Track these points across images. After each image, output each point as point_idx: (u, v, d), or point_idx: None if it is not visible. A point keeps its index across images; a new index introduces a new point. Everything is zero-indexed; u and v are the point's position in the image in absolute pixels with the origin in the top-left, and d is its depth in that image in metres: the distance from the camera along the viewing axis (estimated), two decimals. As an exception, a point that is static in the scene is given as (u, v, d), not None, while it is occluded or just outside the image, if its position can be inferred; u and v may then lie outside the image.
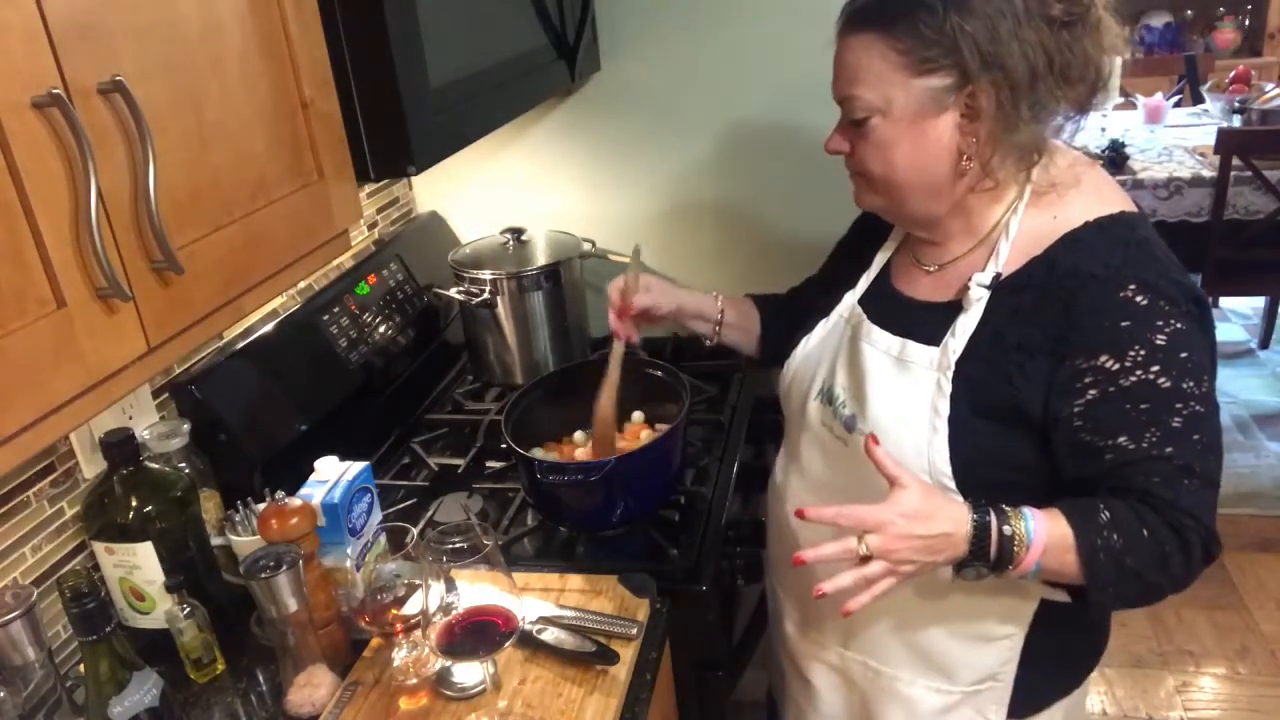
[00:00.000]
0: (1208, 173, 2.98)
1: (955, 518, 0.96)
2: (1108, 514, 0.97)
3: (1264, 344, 3.82)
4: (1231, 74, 3.70)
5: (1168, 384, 0.95)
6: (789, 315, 1.38)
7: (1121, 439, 0.97)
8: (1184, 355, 0.96)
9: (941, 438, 1.03)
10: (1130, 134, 3.41)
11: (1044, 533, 0.96)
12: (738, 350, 1.45)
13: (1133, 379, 0.96)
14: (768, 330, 1.43)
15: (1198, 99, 3.86)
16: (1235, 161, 2.89)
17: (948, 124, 1.00)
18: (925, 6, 0.96)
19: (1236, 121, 3.37)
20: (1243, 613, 2.58)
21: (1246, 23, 5.05)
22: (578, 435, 1.48)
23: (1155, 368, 0.95)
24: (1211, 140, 2.94)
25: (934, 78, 0.98)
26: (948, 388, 1.04)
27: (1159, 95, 3.67)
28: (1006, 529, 0.96)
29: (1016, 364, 1.01)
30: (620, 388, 1.34)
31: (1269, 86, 3.52)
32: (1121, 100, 3.78)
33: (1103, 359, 0.96)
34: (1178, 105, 3.73)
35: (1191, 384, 0.96)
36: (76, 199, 0.74)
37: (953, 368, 1.04)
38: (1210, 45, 5.04)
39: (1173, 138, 3.42)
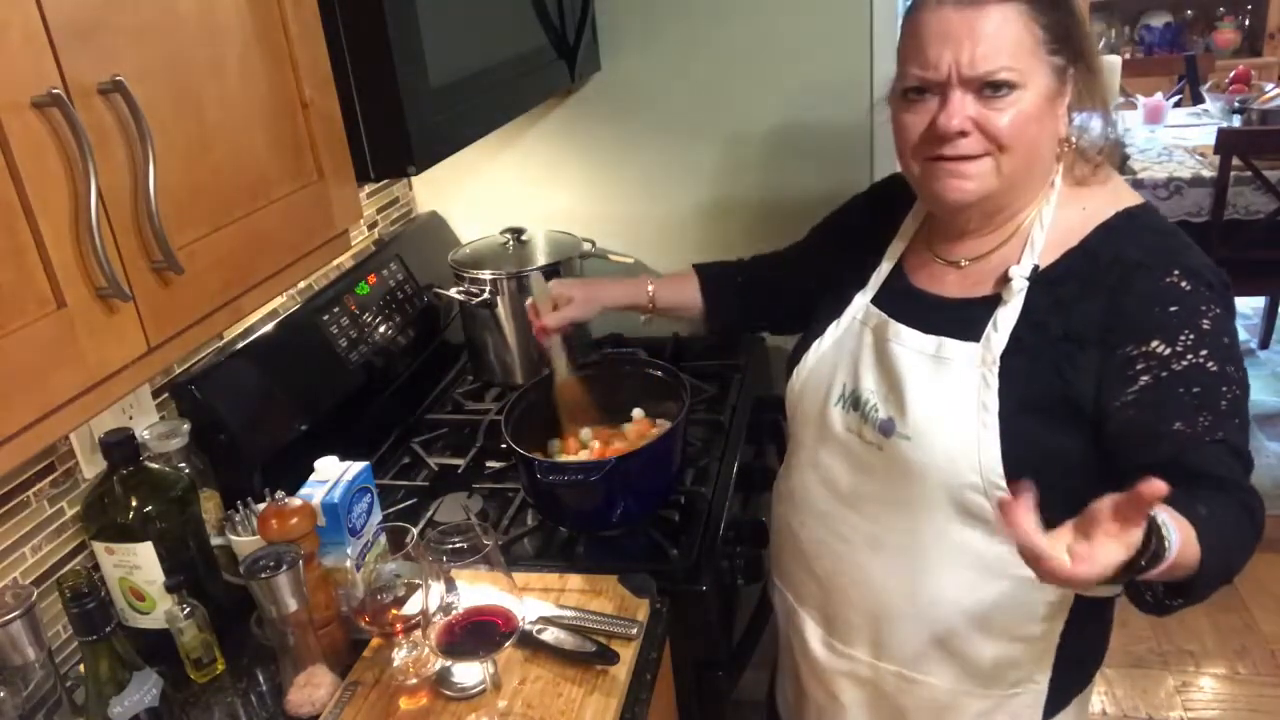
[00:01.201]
0: (1208, 173, 2.98)
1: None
2: (1202, 505, 0.88)
3: (1264, 344, 3.81)
4: (1231, 74, 3.69)
5: (1215, 368, 0.96)
6: (746, 288, 1.39)
7: (1176, 425, 0.96)
8: (1225, 340, 0.97)
9: (992, 434, 1.02)
10: (1130, 134, 3.40)
11: (1177, 538, 0.83)
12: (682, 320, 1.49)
13: (1184, 363, 0.96)
14: (713, 301, 1.44)
15: (1198, 99, 3.85)
16: (1235, 161, 2.89)
17: (1061, 106, 1.04)
18: None
19: (1236, 121, 3.36)
20: (1243, 613, 2.58)
21: (1246, 23, 5.04)
22: (584, 433, 1.48)
23: (1204, 352, 0.96)
24: (1211, 140, 2.93)
25: (1058, 58, 1.02)
26: (994, 382, 1.03)
27: (1159, 95, 3.67)
28: (1159, 547, 0.82)
29: (1065, 354, 1.01)
30: (571, 369, 1.43)
31: (1269, 86, 3.52)
32: (1121, 100, 3.77)
33: (1154, 344, 0.97)
34: (1178, 105, 3.72)
35: (1233, 368, 0.97)
36: (76, 199, 0.74)
37: (998, 362, 1.03)
38: (1210, 45, 5.03)
39: (1173, 138, 3.41)
